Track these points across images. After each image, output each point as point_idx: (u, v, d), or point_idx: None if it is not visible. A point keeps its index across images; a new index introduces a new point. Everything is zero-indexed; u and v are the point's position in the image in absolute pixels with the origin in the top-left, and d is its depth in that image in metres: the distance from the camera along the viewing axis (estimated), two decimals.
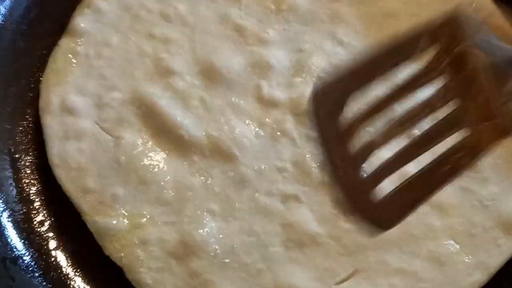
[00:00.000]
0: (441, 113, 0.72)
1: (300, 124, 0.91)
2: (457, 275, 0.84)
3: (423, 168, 0.72)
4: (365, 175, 0.72)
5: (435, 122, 0.73)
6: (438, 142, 0.72)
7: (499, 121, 0.70)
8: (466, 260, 0.85)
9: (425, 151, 0.72)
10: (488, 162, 0.89)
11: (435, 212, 0.87)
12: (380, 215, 0.72)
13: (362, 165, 0.73)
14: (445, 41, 0.73)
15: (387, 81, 0.74)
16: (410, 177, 0.72)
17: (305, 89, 0.93)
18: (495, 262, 0.85)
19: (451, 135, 0.71)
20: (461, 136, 0.71)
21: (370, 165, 0.72)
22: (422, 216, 0.87)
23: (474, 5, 0.99)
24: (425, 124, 0.72)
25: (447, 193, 0.87)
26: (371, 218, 0.72)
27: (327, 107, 0.74)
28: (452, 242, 0.86)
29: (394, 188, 0.72)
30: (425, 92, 0.73)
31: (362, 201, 0.72)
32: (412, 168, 0.71)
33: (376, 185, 0.72)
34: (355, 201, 0.72)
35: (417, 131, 0.73)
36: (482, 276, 0.84)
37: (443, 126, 0.73)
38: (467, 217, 0.87)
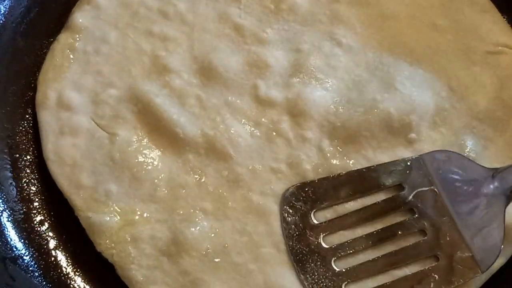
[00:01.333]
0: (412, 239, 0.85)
1: (296, 124, 0.91)
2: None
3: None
4: (337, 270, 0.83)
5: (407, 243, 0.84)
6: (413, 260, 0.84)
7: (471, 254, 0.81)
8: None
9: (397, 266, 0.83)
10: (486, 165, 0.89)
11: None
12: None
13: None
14: (412, 180, 0.86)
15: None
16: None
17: (302, 90, 0.92)
18: (496, 262, 0.84)
19: (423, 257, 0.83)
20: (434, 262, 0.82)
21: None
22: None
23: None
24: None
25: None
26: None
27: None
28: None
29: None
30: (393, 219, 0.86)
31: None
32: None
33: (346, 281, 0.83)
34: None
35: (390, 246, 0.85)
36: (484, 275, 0.83)
37: (418, 247, 0.84)
38: None
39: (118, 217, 0.86)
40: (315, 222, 0.86)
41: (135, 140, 0.90)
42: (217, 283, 0.83)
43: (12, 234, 0.88)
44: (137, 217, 0.86)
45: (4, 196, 0.90)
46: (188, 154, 0.89)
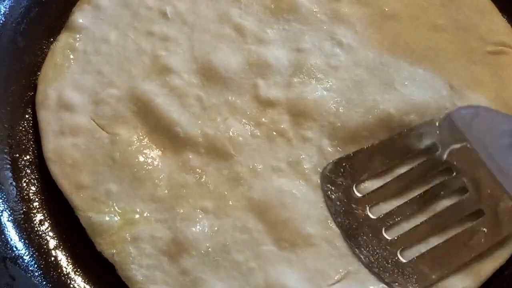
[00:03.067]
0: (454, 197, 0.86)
1: (296, 124, 0.91)
2: (447, 280, 0.83)
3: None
4: (389, 239, 0.84)
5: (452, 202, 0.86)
6: (459, 218, 0.85)
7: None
8: None
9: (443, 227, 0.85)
10: None
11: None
12: (407, 276, 0.82)
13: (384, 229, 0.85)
14: (443, 139, 0.88)
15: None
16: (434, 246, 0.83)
17: (303, 90, 0.93)
18: (487, 268, 0.84)
19: (468, 213, 0.85)
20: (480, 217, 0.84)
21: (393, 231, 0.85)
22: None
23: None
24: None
25: None
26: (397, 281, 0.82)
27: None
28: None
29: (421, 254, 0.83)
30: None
31: (387, 264, 0.83)
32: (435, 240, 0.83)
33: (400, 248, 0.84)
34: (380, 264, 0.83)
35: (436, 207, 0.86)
36: (473, 283, 0.83)
37: (461, 204, 0.86)
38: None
39: (118, 217, 0.86)
40: (359, 195, 0.87)
41: (135, 140, 0.90)
42: (217, 282, 0.82)
43: (12, 234, 0.88)
44: (137, 217, 0.86)
45: (4, 196, 0.90)
46: (189, 153, 0.89)
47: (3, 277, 0.84)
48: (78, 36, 0.96)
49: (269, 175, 0.88)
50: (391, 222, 0.85)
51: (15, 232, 0.88)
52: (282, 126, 0.91)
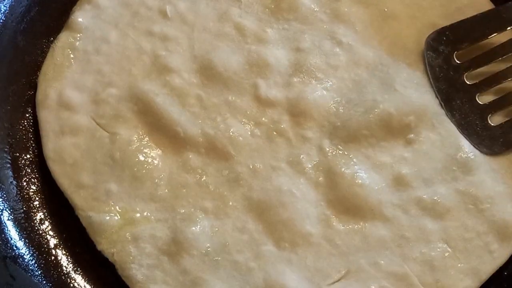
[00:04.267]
0: None
1: (296, 124, 0.91)
2: (448, 280, 0.84)
3: None
4: (481, 103, 0.92)
5: None
6: None
7: None
8: (458, 265, 0.85)
9: None
10: (484, 167, 0.89)
11: (429, 214, 0.87)
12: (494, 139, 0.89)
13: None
14: None
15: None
16: None
17: (303, 89, 0.93)
18: (487, 268, 0.85)
19: None
20: None
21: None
22: (416, 218, 0.87)
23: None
24: None
25: (442, 195, 0.87)
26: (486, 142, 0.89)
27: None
28: (445, 246, 0.86)
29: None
30: None
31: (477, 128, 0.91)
32: None
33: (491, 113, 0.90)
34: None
35: None
36: (473, 283, 0.84)
37: None
38: (461, 220, 0.87)
39: (119, 216, 0.86)
40: (458, 62, 0.93)
41: (135, 139, 0.90)
42: (217, 282, 0.83)
43: (12, 233, 0.88)
44: (137, 216, 0.86)
45: (5, 195, 0.90)
46: (189, 153, 0.89)
47: (3, 276, 0.84)
48: (78, 35, 0.96)
49: (269, 175, 0.88)
50: (485, 89, 0.92)
51: (15, 231, 0.88)
52: (282, 126, 0.91)
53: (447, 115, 0.91)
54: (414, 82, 0.94)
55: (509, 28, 0.93)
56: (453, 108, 0.92)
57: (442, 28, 0.95)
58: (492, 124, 0.91)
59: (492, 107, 0.91)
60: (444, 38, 0.94)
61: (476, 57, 0.93)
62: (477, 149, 0.90)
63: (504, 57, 0.93)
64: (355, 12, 0.99)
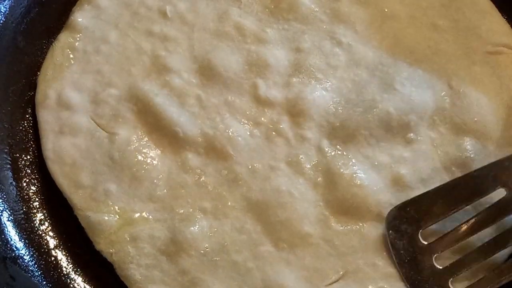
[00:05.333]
0: None
1: (296, 124, 0.91)
2: None
3: None
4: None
5: None
6: None
7: None
8: None
9: None
10: None
11: None
12: None
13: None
14: None
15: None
16: None
17: (302, 90, 0.93)
18: None
19: None
20: None
21: None
22: None
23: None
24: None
25: None
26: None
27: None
28: None
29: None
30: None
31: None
32: None
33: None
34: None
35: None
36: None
37: None
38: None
39: (117, 217, 0.86)
40: (424, 243, 0.84)
41: (134, 139, 0.90)
42: (215, 282, 0.83)
43: (12, 234, 0.88)
44: (136, 216, 0.86)
45: (4, 196, 0.90)
46: (188, 153, 0.89)
47: (3, 277, 0.84)
48: (78, 35, 0.96)
49: (268, 175, 0.88)
50: (458, 273, 0.82)
51: (15, 232, 0.89)
52: (281, 126, 0.91)
53: None
54: (415, 80, 0.94)
55: (476, 198, 0.83)
56: None
57: (403, 203, 0.85)
58: None
59: None
60: (406, 216, 0.84)
61: (445, 236, 0.83)
62: None
63: (478, 232, 0.82)
64: (355, 12, 0.99)
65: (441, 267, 0.82)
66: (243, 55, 0.95)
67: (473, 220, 0.83)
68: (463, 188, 0.84)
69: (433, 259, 0.83)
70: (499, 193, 0.83)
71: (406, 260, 0.83)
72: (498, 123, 0.93)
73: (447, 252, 0.83)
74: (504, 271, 0.80)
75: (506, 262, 0.83)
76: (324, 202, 0.87)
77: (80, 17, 0.97)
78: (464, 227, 0.83)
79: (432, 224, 0.84)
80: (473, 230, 0.83)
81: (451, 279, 0.82)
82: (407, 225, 0.84)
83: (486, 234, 0.83)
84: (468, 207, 0.84)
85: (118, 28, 0.97)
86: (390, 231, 0.84)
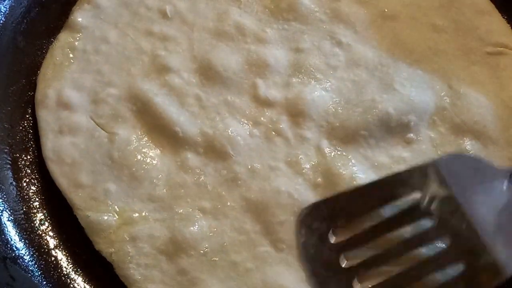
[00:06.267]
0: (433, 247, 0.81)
1: (295, 124, 0.91)
2: None
3: None
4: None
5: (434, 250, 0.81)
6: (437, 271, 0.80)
7: (494, 260, 0.78)
8: None
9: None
10: None
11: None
12: None
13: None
14: (427, 187, 0.82)
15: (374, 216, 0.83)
16: None
17: (302, 90, 0.93)
18: None
19: (447, 267, 0.80)
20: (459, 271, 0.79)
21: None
22: None
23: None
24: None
25: None
26: None
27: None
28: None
29: None
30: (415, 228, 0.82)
31: None
32: None
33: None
34: None
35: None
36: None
37: (440, 257, 0.81)
38: None
39: (117, 216, 0.86)
40: (333, 242, 0.83)
41: (134, 139, 0.90)
42: (215, 282, 0.83)
43: (12, 234, 0.88)
44: (135, 216, 0.86)
45: (4, 196, 0.90)
46: (187, 153, 0.89)
47: (3, 277, 0.84)
48: (77, 35, 0.96)
49: (267, 175, 0.88)
50: (363, 273, 0.81)
51: (15, 232, 0.89)
52: (280, 126, 0.91)
53: None
54: (415, 80, 0.95)
55: (390, 202, 0.83)
56: None
57: (317, 202, 0.85)
58: None
59: None
60: (319, 214, 0.83)
61: (354, 236, 0.82)
62: None
63: (387, 235, 0.82)
64: (355, 12, 1.00)
65: (347, 266, 0.81)
66: (243, 55, 0.95)
67: (384, 221, 0.83)
68: (377, 191, 0.84)
69: (340, 258, 0.81)
70: (414, 198, 0.83)
71: (314, 257, 0.82)
72: (498, 123, 0.93)
73: (359, 251, 0.82)
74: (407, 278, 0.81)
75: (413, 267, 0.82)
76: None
77: (80, 16, 0.97)
78: (375, 230, 0.82)
79: (345, 224, 0.83)
80: (383, 231, 0.82)
81: (356, 278, 0.81)
82: (319, 223, 0.83)
83: (398, 235, 0.82)
84: (384, 209, 0.83)
85: (118, 27, 0.97)
86: (301, 230, 0.83)
